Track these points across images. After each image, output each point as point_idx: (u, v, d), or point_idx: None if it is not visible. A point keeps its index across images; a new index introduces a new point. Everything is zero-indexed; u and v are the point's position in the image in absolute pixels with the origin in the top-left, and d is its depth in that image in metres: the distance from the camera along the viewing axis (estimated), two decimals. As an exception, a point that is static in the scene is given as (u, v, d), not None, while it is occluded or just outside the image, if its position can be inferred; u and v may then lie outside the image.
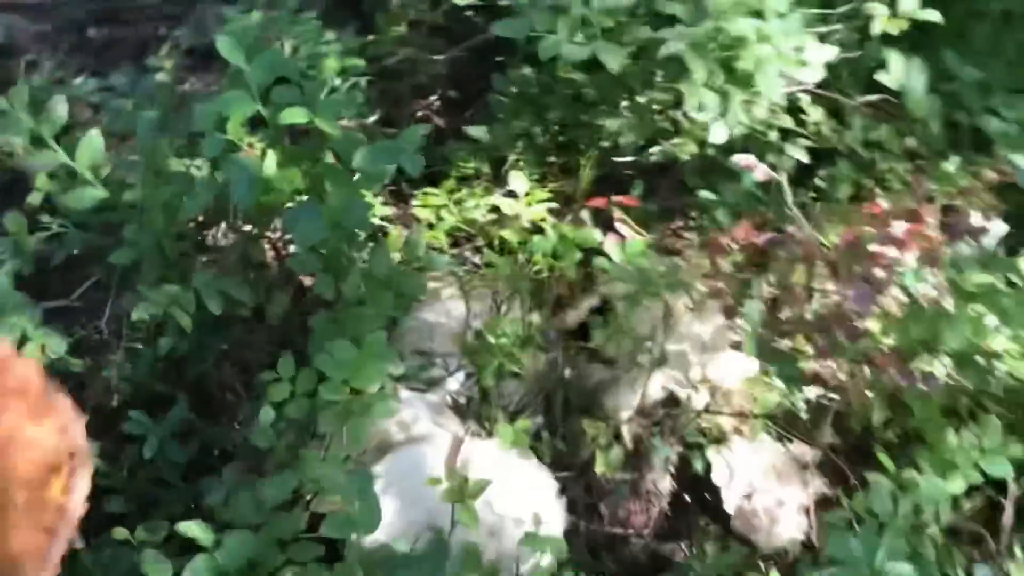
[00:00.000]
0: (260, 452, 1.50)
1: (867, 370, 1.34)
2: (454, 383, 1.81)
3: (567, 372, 1.80)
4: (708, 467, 1.82)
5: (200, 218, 1.88)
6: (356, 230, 1.52)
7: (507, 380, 1.79)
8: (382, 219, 1.82)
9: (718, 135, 1.56)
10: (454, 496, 1.44)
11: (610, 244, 1.50)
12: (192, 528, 1.28)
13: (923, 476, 1.41)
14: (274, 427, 1.45)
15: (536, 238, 1.53)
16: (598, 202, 1.62)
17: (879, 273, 1.44)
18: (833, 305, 1.44)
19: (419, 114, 2.15)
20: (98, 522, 1.42)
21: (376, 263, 1.57)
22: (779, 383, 1.66)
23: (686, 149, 1.66)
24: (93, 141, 1.59)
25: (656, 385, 1.84)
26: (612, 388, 1.87)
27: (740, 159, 1.53)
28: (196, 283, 1.56)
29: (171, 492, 1.50)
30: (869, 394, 1.38)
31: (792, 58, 1.53)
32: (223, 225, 1.84)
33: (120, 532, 1.36)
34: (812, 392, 1.83)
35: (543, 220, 1.61)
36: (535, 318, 1.63)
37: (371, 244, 1.70)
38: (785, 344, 1.55)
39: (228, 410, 1.76)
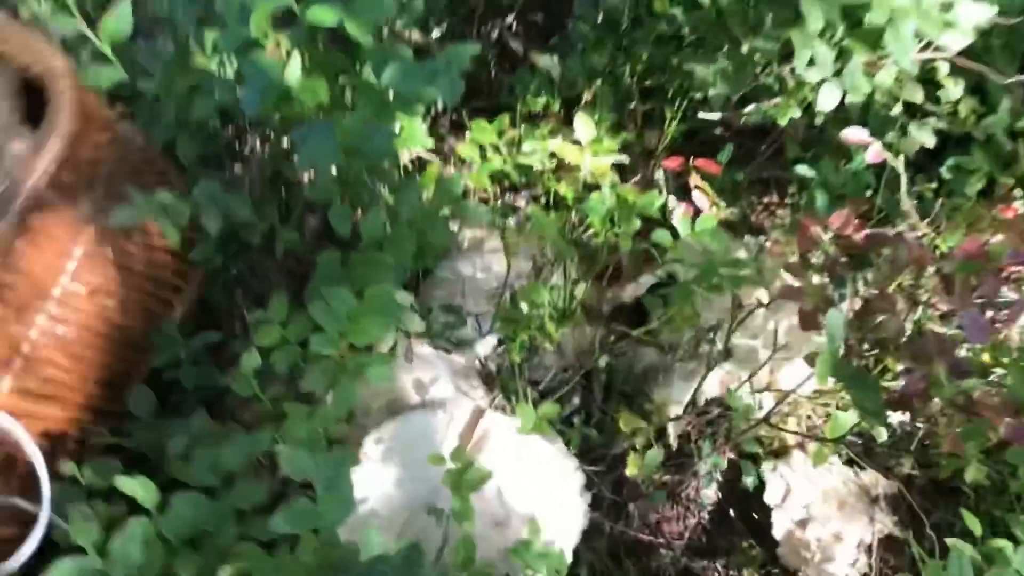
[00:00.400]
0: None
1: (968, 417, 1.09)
2: (485, 347, 1.62)
3: (613, 352, 1.59)
4: (761, 483, 1.61)
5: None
6: (380, 160, 1.32)
7: (545, 353, 1.59)
8: (430, 152, 1.61)
9: (828, 100, 1.29)
10: (453, 483, 1.25)
11: (679, 214, 1.27)
12: (132, 486, 1.12)
13: (1017, 549, 1.17)
14: (259, 375, 1.28)
15: (593, 196, 1.30)
16: (673, 162, 1.38)
17: (1003, 294, 1.18)
18: (938, 326, 1.19)
19: (493, 35, 1.91)
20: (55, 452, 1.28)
21: (404, 203, 1.37)
22: (859, 402, 1.42)
23: (787, 113, 1.40)
24: (121, 15, 1.41)
25: (714, 381, 1.62)
26: (663, 378, 1.65)
27: (851, 133, 1.27)
28: (195, 194, 1.38)
29: (141, 429, 1.35)
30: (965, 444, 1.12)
31: (935, 16, 1.25)
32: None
33: (70, 467, 1.21)
34: (895, 416, 1.59)
35: (603, 175, 1.38)
36: (581, 289, 1.41)
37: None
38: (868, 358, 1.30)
39: (233, 343, 1.60)
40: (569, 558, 1.46)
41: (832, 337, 1.07)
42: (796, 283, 1.21)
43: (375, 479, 1.45)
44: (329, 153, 1.20)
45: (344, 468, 1.01)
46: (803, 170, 1.39)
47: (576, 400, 1.64)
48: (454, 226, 1.70)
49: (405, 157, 1.68)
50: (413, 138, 1.51)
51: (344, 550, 1.01)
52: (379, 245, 1.35)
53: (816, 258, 1.25)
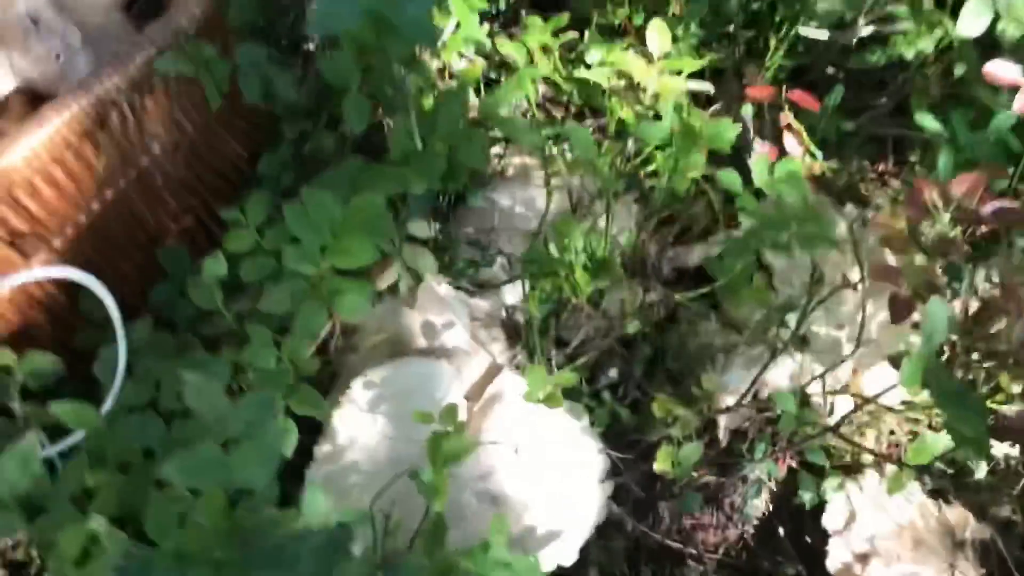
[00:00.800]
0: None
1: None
2: (514, 293, 1.39)
3: (662, 321, 1.35)
4: (821, 501, 1.36)
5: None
6: (413, 40, 1.09)
7: (583, 313, 1.36)
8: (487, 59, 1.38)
9: (972, 24, 1.01)
10: (430, 449, 1.04)
11: (758, 155, 1.00)
12: (67, 411, 0.95)
13: None
14: (226, 286, 1.09)
15: (654, 124, 1.05)
16: (762, 92, 1.12)
17: None
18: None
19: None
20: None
21: (443, 114, 1.14)
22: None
23: (916, 42, 1.11)
24: None
25: (784, 372, 1.36)
26: (722, 361, 1.40)
27: (998, 69, 0.99)
28: (239, 56, 1.19)
29: (85, 331, 1.17)
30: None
31: None
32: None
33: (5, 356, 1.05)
34: (1000, 447, 1.31)
35: (671, 97, 1.12)
36: (625, 236, 1.16)
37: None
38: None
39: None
40: (574, 555, 1.24)
41: (930, 333, 0.81)
42: (896, 262, 0.95)
43: (358, 428, 1.26)
44: (347, 15, 0.97)
45: (269, 413, 0.80)
46: (927, 122, 1.11)
47: (613, 373, 1.40)
48: (499, 149, 1.48)
49: (458, 64, 1.45)
50: (468, 35, 1.29)
51: (256, 518, 0.80)
52: (406, 160, 1.13)
53: (929, 235, 0.98)
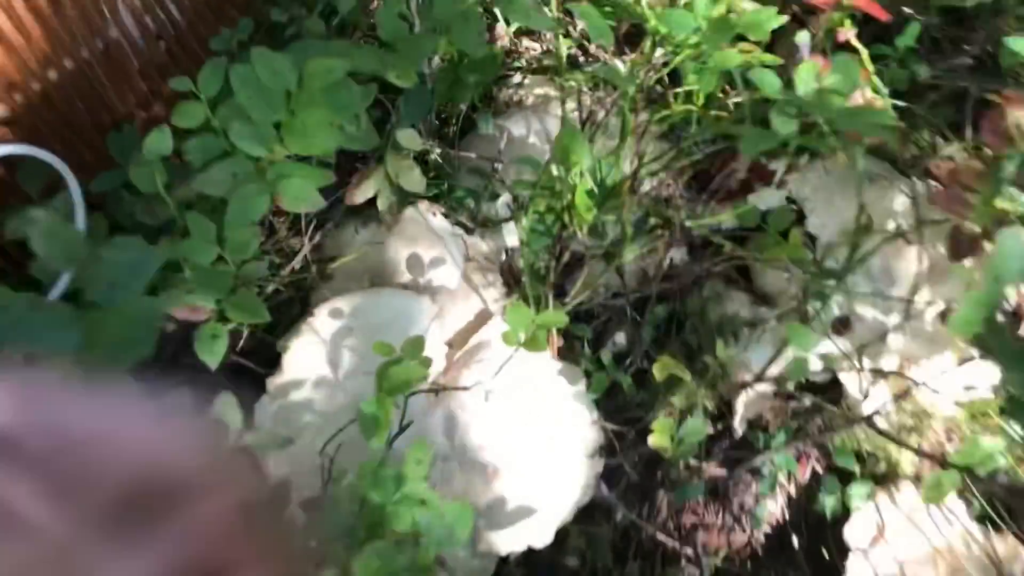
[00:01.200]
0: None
1: None
2: (517, 235, 1.23)
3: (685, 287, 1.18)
4: (845, 511, 1.16)
5: None
6: None
7: (590, 263, 1.19)
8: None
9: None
10: (377, 377, 0.88)
11: (805, 64, 0.82)
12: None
13: None
14: (174, 170, 0.94)
15: (681, 12, 0.87)
16: (817, -1, 0.94)
17: None
18: None
19: None
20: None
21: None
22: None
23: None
24: None
25: (816, 359, 1.17)
26: (746, 335, 1.22)
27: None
28: None
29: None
30: None
31: None
32: None
33: None
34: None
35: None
36: (629, 150, 0.99)
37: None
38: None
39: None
40: (549, 537, 1.07)
41: (998, 272, 0.63)
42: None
43: (318, 362, 1.10)
44: None
45: (141, 273, 0.64)
46: (1019, 46, 0.92)
47: (620, 339, 1.23)
48: (519, 79, 1.32)
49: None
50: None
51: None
52: (394, 46, 0.98)
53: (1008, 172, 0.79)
